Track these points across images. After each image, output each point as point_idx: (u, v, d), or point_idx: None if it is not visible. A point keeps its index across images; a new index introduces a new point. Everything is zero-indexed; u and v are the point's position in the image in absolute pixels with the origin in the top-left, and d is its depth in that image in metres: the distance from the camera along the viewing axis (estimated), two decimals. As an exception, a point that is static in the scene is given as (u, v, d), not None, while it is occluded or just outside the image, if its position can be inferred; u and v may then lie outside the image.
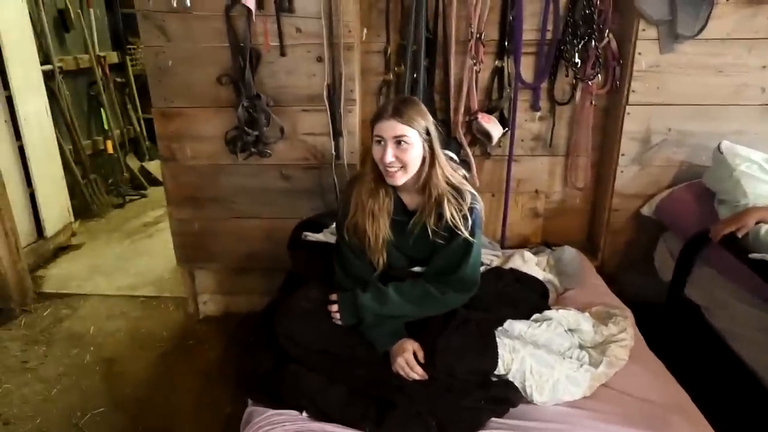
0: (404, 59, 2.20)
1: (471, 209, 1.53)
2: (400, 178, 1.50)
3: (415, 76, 2.21)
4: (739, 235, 1.72)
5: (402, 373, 1.45)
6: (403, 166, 1.48)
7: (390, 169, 1.48)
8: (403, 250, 1.63)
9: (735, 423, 1.52)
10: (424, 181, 1.53)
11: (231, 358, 2.25)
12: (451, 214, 1.51)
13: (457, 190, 1.54)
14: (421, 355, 1.47)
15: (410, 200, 1.60)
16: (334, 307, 1.54)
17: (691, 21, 2.04)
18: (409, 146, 1.46)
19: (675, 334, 1.98)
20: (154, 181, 4.36)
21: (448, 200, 1.51)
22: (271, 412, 1.41)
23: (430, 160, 1.50)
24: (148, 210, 3.97)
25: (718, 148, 2.09)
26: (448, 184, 1.53)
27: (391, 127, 1.45)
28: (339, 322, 1.53)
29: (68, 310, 2.67)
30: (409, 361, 1.45)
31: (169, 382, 2.15)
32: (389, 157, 1.46)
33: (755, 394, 1.60)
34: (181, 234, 2.38)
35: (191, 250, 2.41)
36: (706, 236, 1.83)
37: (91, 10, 3.90)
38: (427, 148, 1.50)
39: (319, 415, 1.38)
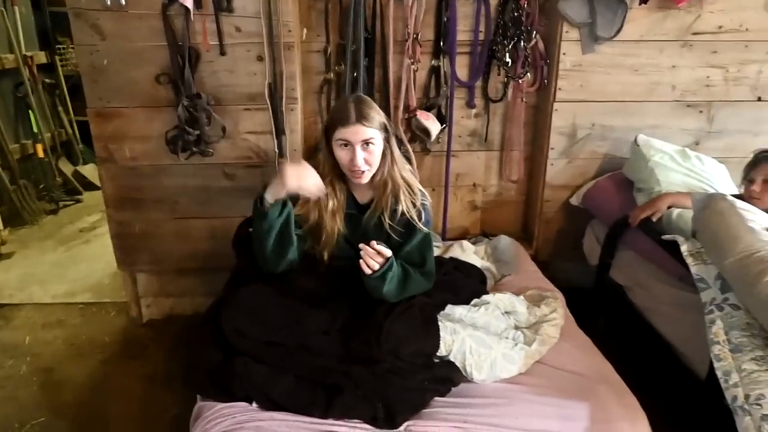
0: (344, 59, 2.25)
1: (423, 205, 1.62)
2: (367, 177, 1.57)
3: (355, 75, 2.26)
4: (654, 219, 1.89)
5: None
6: (371, 166, 1.55)
7: (359, 171, 1.54)
8: (354, 242, 1.68)
9: (654, 389, 1.67)
10: (381, 176, 1.59)
11: (176, 361, 2.22)
12: (407, 208, 1.58)
13: (409, 186, 1.61)
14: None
15: (361, 195, 1.67)
16: (385, 253, 1.49)
17: (609, 24, 2.20)
18: (375, 147, 1.53)
19: (602, 313, 2.13)
20: (89, 186, 4.20)
21: (404, 193, 1.58)
22: (221, 405, 1.42)
23: (390, 155, 1.58)
24: (84, 215, 3.83)
25: (635, 141, 2.27)
26: (401, 177, 1.60)
27: (358, 132, 1.50)
28: (373, 267, 1.48)
29: (0, 321, 2.55)
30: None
31: (113, 388, 2.10)
32: (360, 160, 1.51)
33: (671, 363, 1.76)
34: (121, 236, 2.33)
35: (132, 253, 2.36)
36: (627, 221, 1.99)
37: (16, 8, 3.71)
38: (386, 143, 1.57)
39: (268, 404, 1.40)
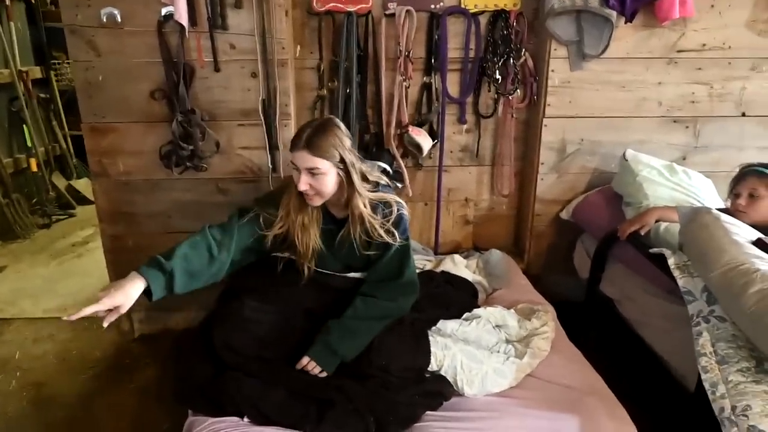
0: (337, 75, 2.29)
1: (399, 216, 1.63)
2: (317, 202, 1.60)
3: (348, 91, 2.30)
4: (642, 233, 1.92)
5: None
6: (318, 192, 1.56)
7: (306, 195, 1.57)
8: (338, 257, 1.71)
9: (643, 401, 1.69)
10: (346, 200, 1.61)
11: (168, 375, 2.21)
12: (378, 234, 1.60)
13: (382, 203, 1.62)
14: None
15: (338, 211, 1.69)
16: (311, 365, 1.51)
17: (596, 42, 2.24)
18: (322, 175, 1.54)
19: (592, 325, 2.15)
20: (82, 200, 4.20)
21: (369, 221, 1.59)
22: (212, 420, 1.42)
23: (348, 185, 1.58)
24: (77, 229, 3.82)
25: (624, 155, 2.31)
26: (370, 203, 1.61)
27: (303, 159, 1.52)
28: (323, 375, 1.51)
29: (-10, 336, 2.54)
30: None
31: (104, 402, 2.08)
32: (302, 185, 1.54)
33: (660, 375, 1.77)
34: (114, 251, 2.33)
35: (125, 267, 2.33)
36: (616, 235, 2.02)
37: (12, 24, 3.74)
38: (343, 174, 1.57)
39: (260, 418, 1.41)
